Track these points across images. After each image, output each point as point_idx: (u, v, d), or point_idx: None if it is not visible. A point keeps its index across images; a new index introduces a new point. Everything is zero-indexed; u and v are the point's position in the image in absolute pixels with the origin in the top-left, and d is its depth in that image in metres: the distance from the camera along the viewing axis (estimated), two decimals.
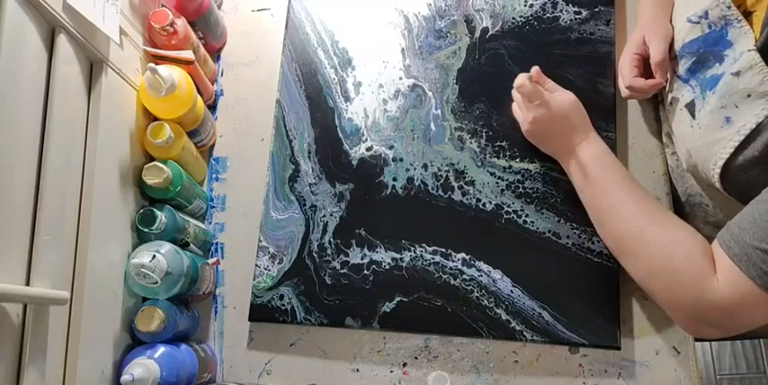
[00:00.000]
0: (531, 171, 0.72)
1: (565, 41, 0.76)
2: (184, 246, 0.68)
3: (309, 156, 0.75)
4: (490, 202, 0.71)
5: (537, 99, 0.65)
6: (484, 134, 0.74)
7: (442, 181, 0.73)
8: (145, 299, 0.65)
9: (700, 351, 1.52)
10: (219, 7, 0.84)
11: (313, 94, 0.78)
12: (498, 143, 0.73)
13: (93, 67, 0.60)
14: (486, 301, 0.68)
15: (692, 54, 0.60)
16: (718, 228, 0.55)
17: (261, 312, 0.71)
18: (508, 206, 0.71)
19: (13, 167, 0.48)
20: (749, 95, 0.52)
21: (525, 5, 0.78)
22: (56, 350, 0.52)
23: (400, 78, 0.77)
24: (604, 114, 0.72)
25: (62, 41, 0.53)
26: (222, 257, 0.76)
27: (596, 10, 0.76)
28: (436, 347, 0.70)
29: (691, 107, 0.60)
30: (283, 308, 0.71)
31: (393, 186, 0.73)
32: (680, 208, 0.72)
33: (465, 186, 0.72)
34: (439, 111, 0.75)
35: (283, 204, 0.74)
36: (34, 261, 0.50)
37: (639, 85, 0.65)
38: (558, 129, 0.67)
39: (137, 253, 0.61)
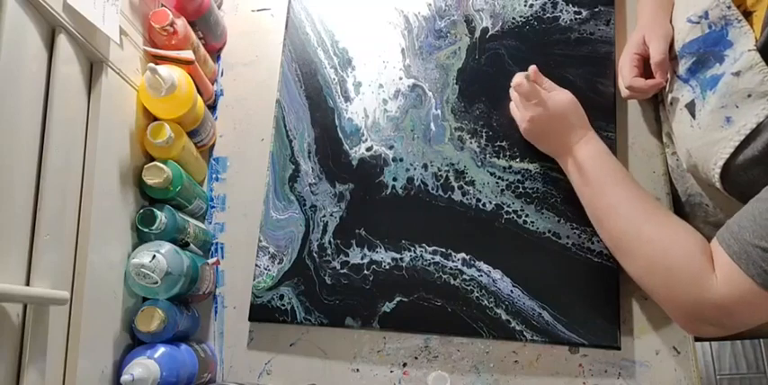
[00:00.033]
0: (531, 171, 0.72)
1: (565, 41, 0.76)
2: (184, 246, 0.68)
3: (309, 156, 0.75)
4: (490, 202, 0.71)
5: (534, 98, 0.65)
6: (484, 134, 0.74)
7: (441, 181, 0.73)
8: (145, 299, 0.65)
9: (700, 351, 1.52)
10: (219, 7, 0.84)
11: (313, 94, 0.78)
12: (498, 143, 0.73)
13: (93, 67, 0.60)
14: (486, 301, 0.68)
15: (692, 54, 0.60)
16: (718, 229, 0.55)
17: (261, 312, 0.71)
18: (508, 206, 0.71)
19: (13, 167, 0.48)
20: (749, 95, 0.52)
21: (525, 5, 0.78)
22: (56, 350, 0.52)
23: (400, 78, 0.77)
24: (604, 114, 0.72)
25: (62, 41, 0.53)
26: (222, 257, 0.76)
27: (596, 10, 0.76)
28: (436, 347, 0.70)
29: (691, 107, 0.60)
30: (283, 308, 0.71)
31: (393, 186, 0.73)
32: (680, 208, 0.72)
33: (465, 186, 0.72)
34: (439, 111, 0.75)
35: (283, 204, 0.74)
36: (34, 261, 0.50)
37: (639, 85, 0.65)
38: (555, 128, 0.67)
39: (137, 253, 0.61)
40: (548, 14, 0.77)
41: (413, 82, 0.77)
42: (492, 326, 0.67)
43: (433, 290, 0.69)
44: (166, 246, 0.62)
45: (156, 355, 0.60)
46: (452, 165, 0.73)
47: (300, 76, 0.78)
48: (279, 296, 0.71)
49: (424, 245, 0.71)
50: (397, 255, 0.71)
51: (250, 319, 0.71)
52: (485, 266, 0.69)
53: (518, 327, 0.67)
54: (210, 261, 0.73)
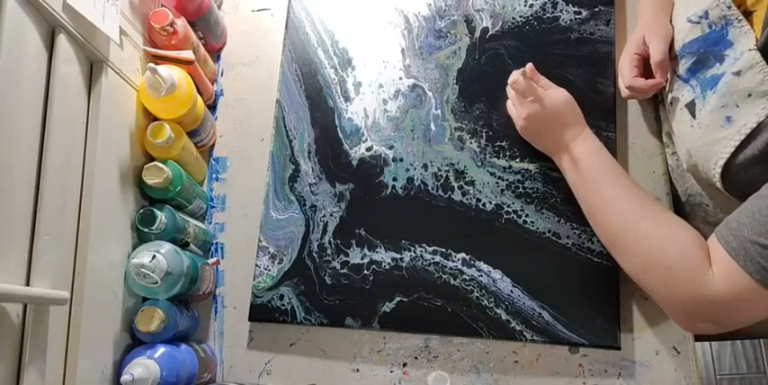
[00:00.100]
0: (531, 171, 0.72)
1: (565, 41, 0.76)
2: (184, 246, 0.68)
3: (309, 156, 0.75)
4: (490, 202, 0.71)
5: (531, 95, 0.66)
6: (484, 134, 0.74)
7: (442, 181, 0.73)
8: (145, 299, 0.65)
9: (700, 351, 1.52)
10: (219, 7, 0.84)
11: (313, 94, 0.78)
12: (498, 143, 0.73)
13: (93, 67, 0.60)
14: (486, 301, 0.68)
15: (692, 54, 0.60)
16: None
17: (261, 312, 0.71)
18: (508, 206, 0.71)
19: (13, 167, 0.48)
20: (750, 95, 0.52)
21: (525, 5, 0.78)
22: (56, 350, 0.52)
23: (400, 78, 0.77)
24: (604, 114, 0.72)
25: (62, 41, 0.53)
26: (222, 257, 0.76)
27: (596, 10, 0.76)
28: (436, 347, 0.70)
29: (691, 107, 0.60)
30: (283, 308, 0.71)
31: (393, 186, 0.73)
32: (680, 208, 0.72)
33: (465, 186, 0.72)
34: (439, 111, 0.75)
35: (283, 204, 0.74)
36: (34, 261, 0.50)
37: (639, 84, 0.65)
38: (551, 126, 0.67)
39: (137, 253, 0.61)
40: (548, 14, 0.77)
41: (413, 82, 0.77)
42: (492, 326, 0.67)
43: (433, 290, 0.69)
44: (166, 246, 0.62)
45: (156, 355, 0.60)
46: (452, 165, 0.73)
47: (300, 76, 0.78)
48: (279, 296, 0.71)
49: (424, 245, 0.71)
50: (397, 255, 0.71)
51: (250, 319, 0.71)
52: (485, 266, 0.69)
53: (518, 327, 0.67)
54: (210, 261, 0.73)
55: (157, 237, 0.64)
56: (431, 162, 0.73)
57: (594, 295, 0.67)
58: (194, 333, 0.72)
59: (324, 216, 0.73)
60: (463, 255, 0.70)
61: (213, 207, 0.78)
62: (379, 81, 0.77)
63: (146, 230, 0.63)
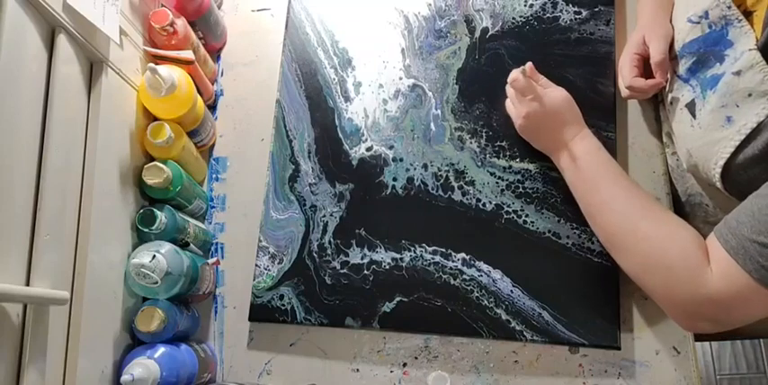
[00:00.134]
0: (531, 171, 0.72)
1: (565, 41, 0.76)
2: (184, 246, 0.68)
3: (309, 156, 0.75)
4: (490, 202, 0.71)
5: (530, 93, 0.66)
6: (484, 134, 0.74)
7: (442, 181, 0.73)
8: (145, 299, 0.65)
9: (700, 351, 1.52)
10: (219, 7, 0.84)
11: (313, 94, 0.78)
12: (498, 143, 0.73)
13: (93, 67, 0.60)
14: (486, 301, 0.68)
15: (692, 54, 0.60)
16: None
17: (261, 312, 0.71)
18: (508, 206, 0.71)
19: (13, 167, 0.48)
20: (750, 94, 0.52)
21: (525, 5, 0.78)
22: (56, 350, 0.52)
23: (400, 78, 0.77)
24: (604, 114, 0.72)
25: (62, 41, 0.53)
26: (222, 257, 0.76)
27: (596, 10, 0.76)
28: (436, 347, 0.70)
29: (691, 107, 0.60)
30: (283, 308, 0.71)
31: (393, 186, 0.73)
32: (680, 208, 0.72)
33: (465, 186, 0.72)
34: (439, 111, 0.75)
35: (283, 204, 0.74)
36: (34, 261, 0.50)
37: (639, 84, 0.65)
38: (550, 125, 0.67)
39: (137, 253, 0.61)
40: (548, 14, 0.77)
41: (413, 82, 0.77)
42: (492, 326, 0.67)
43: (433, 290, 0.69)
44: (166, 246, 0.62)
45: (156, 355, 0.60)
46: (452, 165, 0.73)
47: (300, 76, 0.78)
48: (279, 296, 0.71)
49: (424, 245, 0.71)
50: (397, 255, 0.71)
51: (250, 319, 0.71)
52: (485, 266, 0.69)
53: (518, 327, 0.67)
54: (210, 261, 0.73)
55: (157, 237, 0.64)
56: (431, 162, 0.73)
57: (594, 295, 0.67)
58: (194, 333, 0.72)
59: (324, 216, 0.73)
60: (463, 255, 0.70)
61: (213, 207, 0.78)
62: (379, 81, 0.77)
63: (146, 230, 0.63)
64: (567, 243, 0.69)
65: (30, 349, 0.48)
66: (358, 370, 0.70)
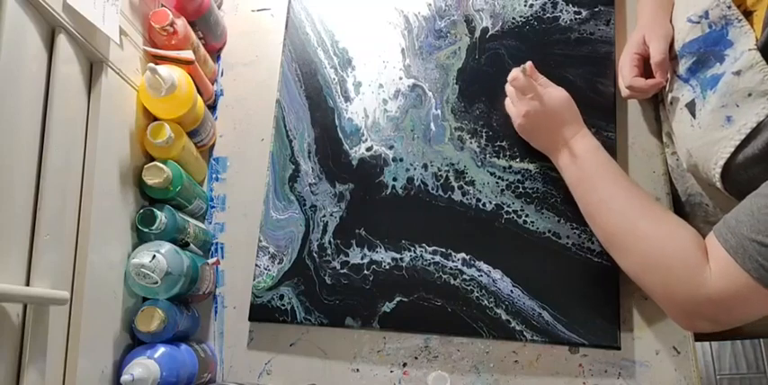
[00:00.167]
0: (531, 171, 0.72)
1: (565, 41, 0.76)
2: (184, 246, 0.68)
3: (309, 156, 0.75)
4: (490, 202, 0.71)
5: (530, 92, 0.66)
6: (484, 134, 0.74)
7: (442, 181, 0.73)
8: (145, 299, 0.65)
9: (700, 351, 1.52)
10: (219, 7, 0.84)
11: (313, 94, 0.78)
12: (498, 143, 0.73)
13: (93, 67, 0.60)
14: (486, 301, 0.68)
15: (692, 54, 0.60)
16: None
17: (261, 312, 0.71)
18: (508, 206, 0.71)
19: (13, 167, 0.48)
20: (750, 94, 0.52)
21: (525, 5, 0.78)
22: (56, 350, 0.52)
23: (400, 78, 0.77)
24: (604, 114, 0.72)
25: (62, 41, 0.53)
26: (222, 257, 0.76)
27: (596, 10, 0.76)
28: (436, 347, 0.70)
29: (691, 107, 0.60)
30: (283, 308, 0.71)
31: (393, 186, 0.73)
32: (680, 208, 0.72)
33: (465, 186, 0.72)
34: (439, 111, 0.75)
35: (283, 204, 0.74)
36: (34, 261, 0.50)
37: (639, 84, 0.65)
38: (549, 124, 0.67)
39: (137, 253, 0.61)
40: (548, 14, 0.77)
41: (413, 82, 0.77)
42: (492, 326, 0.67)
43: (433, 290, 0.69)
44: (166, 246, 0.62)
45: (156, 355, 0.60)
46: (452, 165, 0.73)
47: (300, 76, 0.78)
48: (279, 296, 0.71)
49: (424, 245, 0.71)
50: (397, 255, 0.71)
51: (250, 319, 0.71)
52: (485, 266, 0.69)
53: (518, 327, 0.67)
54: (210, 261, 0.73)
55: (157, 237, 0.64)
56: (431, 162, 0.73)
57: (594, 295, 0.67)
58: (194, 333, 0.72)
59: (324, 216, 0.73)
60: (463, 255, 0.70)
61: (213, 207, 0.78)
62: (379, 81, 0.77)
63: (146, 230, 0.63)
64: (567, 243, 0.69)
65: (30, 349, 0.48)
66: (358, 370, 0.70)
